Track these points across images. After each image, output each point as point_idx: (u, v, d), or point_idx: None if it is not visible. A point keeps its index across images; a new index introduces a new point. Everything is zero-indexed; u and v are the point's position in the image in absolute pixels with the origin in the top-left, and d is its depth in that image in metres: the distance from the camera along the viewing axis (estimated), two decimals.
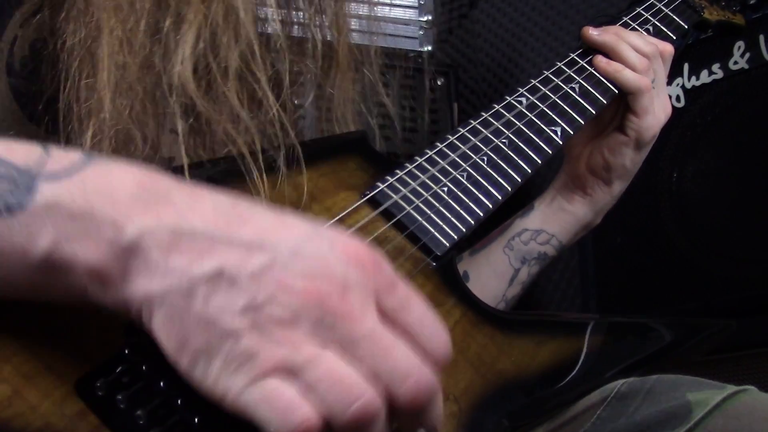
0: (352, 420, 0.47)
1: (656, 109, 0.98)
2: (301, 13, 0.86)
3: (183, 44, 0.74)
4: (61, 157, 0.53)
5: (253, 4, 0.79)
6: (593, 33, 0.97)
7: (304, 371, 0.48)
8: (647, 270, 1.37)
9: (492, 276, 1.00)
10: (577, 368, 0.75)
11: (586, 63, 0.97)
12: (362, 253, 0.51)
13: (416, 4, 1.66)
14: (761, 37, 1.27)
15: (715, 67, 1.32)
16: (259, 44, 0.78)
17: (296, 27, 0.86)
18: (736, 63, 1.30)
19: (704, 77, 1.34)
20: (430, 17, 1.66)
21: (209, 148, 0.77)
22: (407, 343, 0.50)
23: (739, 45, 1.29)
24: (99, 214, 0.50)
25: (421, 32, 1.65)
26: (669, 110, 1.00)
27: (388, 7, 1.62)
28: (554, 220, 1.02)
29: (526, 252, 1.01)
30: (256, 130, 0.75)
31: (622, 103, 0.97)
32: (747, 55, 1.29)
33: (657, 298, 1.35)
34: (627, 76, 0.95)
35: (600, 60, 0.96)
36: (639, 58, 0.95)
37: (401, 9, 1.64)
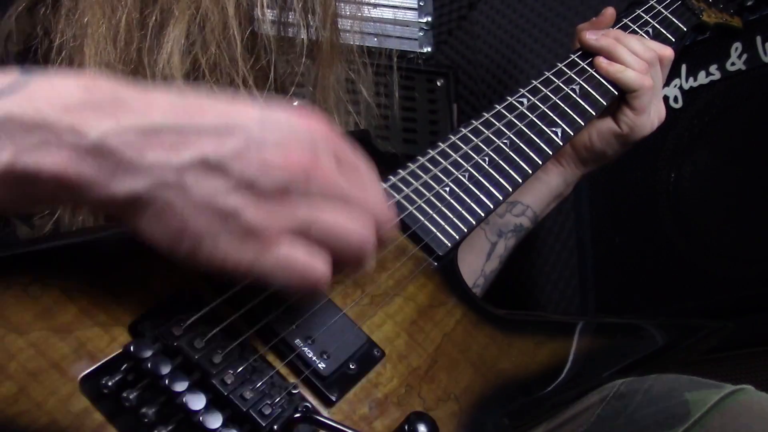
0: (358, 255, 0.57)
1: (652, 110, 0.98)
2: (291, 13, 0.86)
3: (170, 40, 0.74)
4: (1, 76, 0.53)
5: (244, 1, 0.79)
6: (591, 37, 0.97)
7: (309, 230, 0.54)
8: (645, 270, 1.37)
9: (469, 251, 1.00)
10: (575, 369, 0.76)
11: (586, 64, 0.97)
12: (315, 119, 0.56)
13: (416, 6, 1.66)
14: (758, 39, 1.27)
15: (713, 69, 1.32)
16: (247, 41, 0.78)
17: (287, 26, 0.86)
18: (733, 64, 1.30)
19: (702, 78, 1.33)
20: (429, 19, 1.66)
21: None
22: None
23: (737, 46, 1.29)
24: (54, 122, 0.52)
25: (420, 33, 1.65)
26: (663, 115, 1.01)
27: (388, 9, 1.63)
28: (529, 191, 1.02)
29: (502, 225, 1.02)
30: None
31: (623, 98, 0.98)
32: (744, 56, 1.29)
33: (655, 298, 1.35)
34: (629, 75, 0.96)
35: (601, 61, 0.96)
36: (638, 62, 0.96)
37: (401, 10, 1.64)
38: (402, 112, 1.58)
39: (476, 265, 1.02)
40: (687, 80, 1.36)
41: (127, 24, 0.73)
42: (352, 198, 0.56)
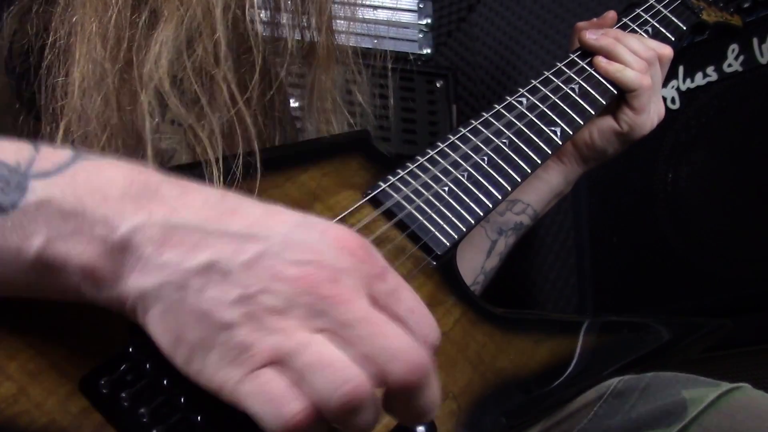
0: (341, 404, 0.45)
1: (651, 109, 0.98)
2: (285, 14, 0.86)
3: (158, 41, 0.74)
4: (51, 154, 0.53)
5: (235, 2, 0.78)
6: (591, 38, 0.97)
7: (294, 358, 0.46)
8: (643, 269, 1.37)
9: (469, 249, 1.00)
10: (573, 366, 0.76)
11: (585, 64, 0.97)
12: (352, 240, 0.50)
13: (415, 8, 1.66)
14: (755, 40, 1.27)
15: (710, 70, 1.33)
16: (236, 43, 0.78)
17: (280, 27, 0.86)
18: (730, 65, 1.31)
19: (699, 79, 1.34)
20: (429, 21, 1.67)
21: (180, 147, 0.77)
22: (398, 327, 0.48)
23: (733, 48, 1.30)
24: (90, 211, 0.50)
25: (420, 35, 1.66)
26: (662, 114, 1.01)
27: (387, 11, 1.63)
28: (529, 188, 1.02)
29: (502, 223, 1.02)
30: (219, 131, 0.73)
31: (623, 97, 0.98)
32: (741, 57, 1.29)
33: (652, 297, 1.35)
34: (628, 74, 0.95)
35: (600, 60, 0.96)
36: (638, 62, 0.96)
37: (400, 12, 1.64)
38: (401, 113, 1.58)
39: (476, 263, 1.01)
40: (684, 81, 1.36)
41: (117, 23, 0.73)
42: (375, 326, 0.47)
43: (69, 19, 0.73)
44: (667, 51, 1.00)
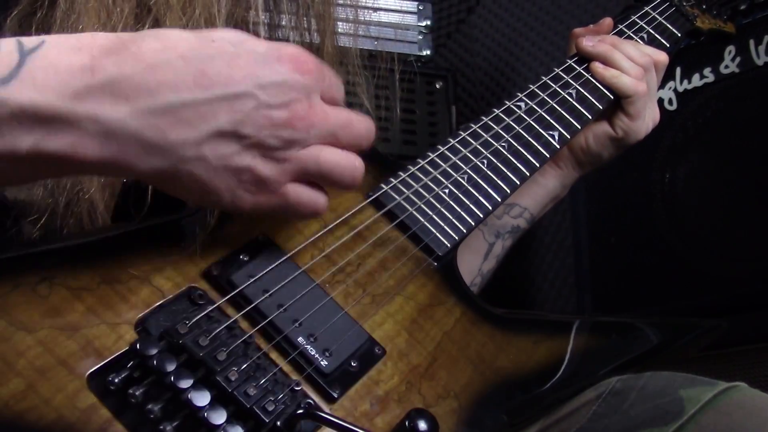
0: (350, 179, 0.65)
1: (647, 115, 0.99)
2: (285, 17, 0.86)
3: None
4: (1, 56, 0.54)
5: (236, 9, 0.79)
6: (588, 44, 0.98)
7: (310, 170, 0.63)
8: (640, 269, 1.37)
9: (467, 251, 1.01)
10: (571, 366, 0.76)
11: (582, 69, 0.98)
12: (304, 59, 0.62)
13: (415, 10, 1.66)
14: (751, 42, 1.27)
15: (707, 71, 1.33)
16: None
17: (282, 31, 0.87)
18: (727, 67, 1.31)
19: (696, 81, 1.34)
20: (429, 22, 1.67)
21: None
22: (345, 110, 0.65)
23: (730, 49, 1.30)
24: (69, 112, 0.54)
25: (420, 37, 1.66)
26: (657, 119, 1.01)
27: (388, 13, 1.63)
28: (526, 193, 1.03)
29: (500, 226, 1.03)
30: None
31: (618, 103, 0.99)
32: (738, 59, 1.29)
33: (650, 297, 1.35)
34: (624, 81, 0.96)
35: (597, 66, 0.97)
36: (634, 68, 0.96)
37: (401, 14, 1.65)
38: (402, 113, 1.58)
39: (474, 265, 1.02)
40: (681, 83, 1.36)
41: (120, 32, 0.73)
42: (340, 130, 0.64)
43: (70, 26, 0.74)
44: (663, 57, 1.00)
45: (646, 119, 0.99)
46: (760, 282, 1.20)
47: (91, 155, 0.55)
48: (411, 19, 1.65)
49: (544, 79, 0.96)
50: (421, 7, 1.66)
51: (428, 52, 1.66)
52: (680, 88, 1.37)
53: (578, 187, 1.38)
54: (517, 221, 1.03)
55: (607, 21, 1.04)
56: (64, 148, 0.54)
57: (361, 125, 0.66)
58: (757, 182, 1.25)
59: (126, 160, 0.56)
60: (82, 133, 0.54)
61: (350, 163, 0.65)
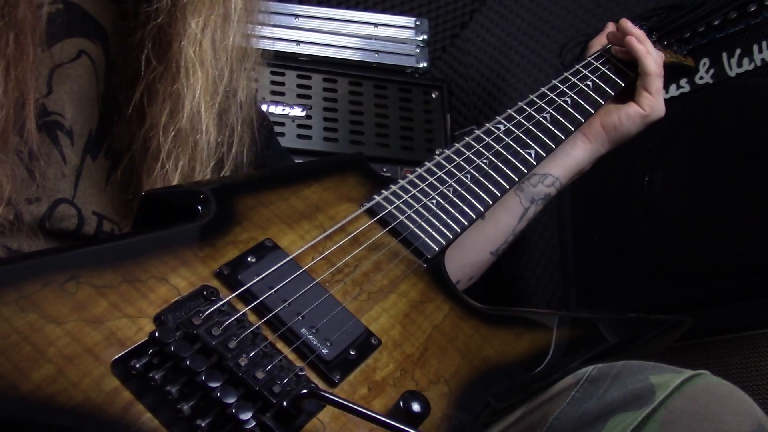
0: None
1: (661, 98, 1.07)
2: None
3: None
4: None
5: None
6: (630, 25, 1.08)
7: None
8: (621, 265, 1.38)
9: (504, 213, 1.05)
10: (549, 356, 0.78)
11: (555, 95, 1.02)
12: None
13: (413, 25, 1.68)
14: (724, 55, 1.29)
15: (683, 82, 1.34)
16: None
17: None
18: (701, 78, 1.32)
19: (672, 91, 1.35)
20: (425, 37, 1.68)
21: None
22: None
23: (704, 62, 1.31)
24: None
25: (417, 50, 1.67)
26: (663, 111, 1.08)
27: (387, 28, 1.65)
28: (559, 164, 1.07)
29: (535, 193, 1.06)
30: None
31: (639, 84, 1.06)
32: (711, 71, 1.30)
33: (630, 291, 1.36)
34: (651, 59, 1.06)
35: (633, 40, 1.06)
36: (654, 51, 1.07)
37: (400, 29, 1.67)
38: (400, 121, 1.61)
39: (509, 226, 1.06)
40: None
41: None
42: None
43: None
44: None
45: (661, 101, 1.07)
46: (730, 278, 1.22)
47: None
48: (409, 34, 1.67)
49: (521, 104, 1.00)
50: (418, 23, 1.68)
51: (425, 65, 1.67)
52: None
53: (564, 190, 1.40)
54: (548, 189, 1.07)
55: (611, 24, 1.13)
56: None
57: None
58: (729, 185, 1.26)
59: None
60: None
61: None
